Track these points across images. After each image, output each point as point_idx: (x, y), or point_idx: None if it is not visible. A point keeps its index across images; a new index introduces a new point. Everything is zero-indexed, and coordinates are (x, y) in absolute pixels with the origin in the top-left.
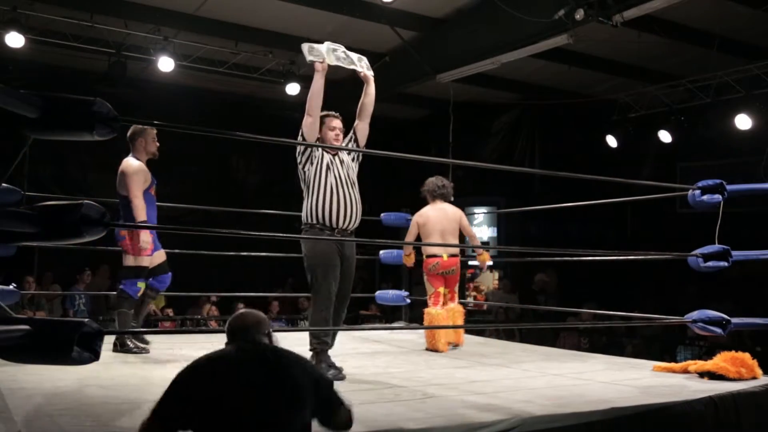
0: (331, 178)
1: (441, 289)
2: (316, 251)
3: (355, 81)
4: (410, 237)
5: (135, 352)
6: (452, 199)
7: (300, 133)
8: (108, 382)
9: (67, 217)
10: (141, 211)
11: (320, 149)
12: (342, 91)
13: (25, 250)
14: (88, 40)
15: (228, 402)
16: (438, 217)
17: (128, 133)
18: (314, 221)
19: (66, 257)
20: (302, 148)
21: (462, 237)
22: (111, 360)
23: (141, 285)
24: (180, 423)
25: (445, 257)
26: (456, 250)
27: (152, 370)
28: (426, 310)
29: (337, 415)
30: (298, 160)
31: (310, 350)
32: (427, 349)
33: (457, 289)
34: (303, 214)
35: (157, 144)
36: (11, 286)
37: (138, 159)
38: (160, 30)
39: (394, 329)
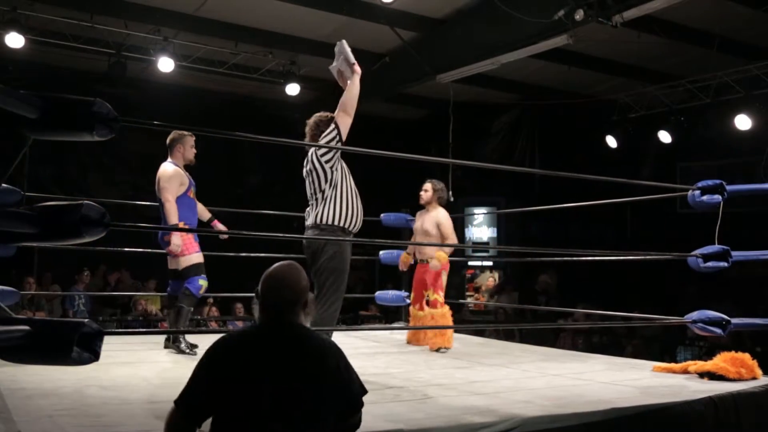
0: (352, 182)
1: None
2: (345, 255)
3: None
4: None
5: (185, 353)
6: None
7: (336, 132)
8: (108, 382)
9: (67, 218)
10: (172, 215)
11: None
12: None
13: (25, 251)
14: (88, 41)
15: (250, 386)
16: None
17: (168, 139)
18: (341, 224)
19: (65, 258)
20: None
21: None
22: (111, 361)
23: (203, 282)
24: (205, 410)
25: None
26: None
27: (152, 370)
28: (446, 311)
29: (352, 419)
30: (327, 158)
31: None
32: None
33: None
34: (328, 215)
35: (195, 151)
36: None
37: (175, 164)
38: (160, 30)
39: (393, 330)
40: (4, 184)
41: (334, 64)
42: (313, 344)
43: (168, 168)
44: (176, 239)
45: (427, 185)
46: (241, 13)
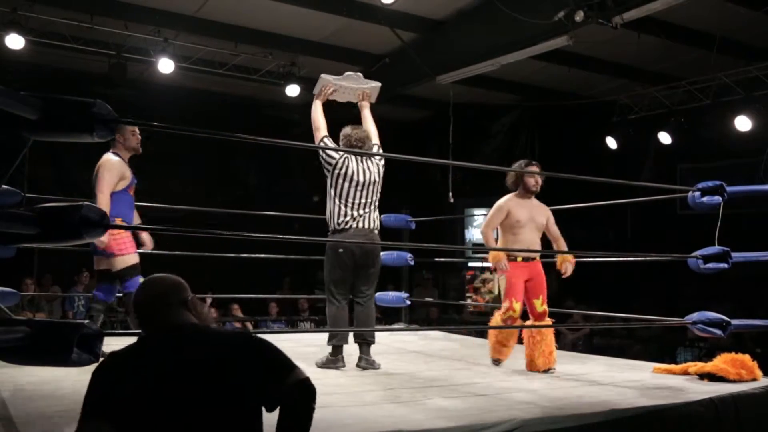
0: None
1: None
2: None
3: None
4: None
5: None
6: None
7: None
8: None
9: (67, 219)
10: (104, 208)
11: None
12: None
13: (24, 252)
14: (88, 42)
15: (144, 400)
16: None
17: None
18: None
19: (65, 259)
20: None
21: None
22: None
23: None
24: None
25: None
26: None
27: None
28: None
29: (285, 380)
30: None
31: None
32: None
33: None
34: (378, 221)
35: (139, 138)
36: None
37: (117, 155)
38: (160, 31)
39: (394, 331)
40: (3, 185)
41: (342, 82)
42: (209, 335)
43: (111, 158)
44: (104, 237)
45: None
46: (241, 14)
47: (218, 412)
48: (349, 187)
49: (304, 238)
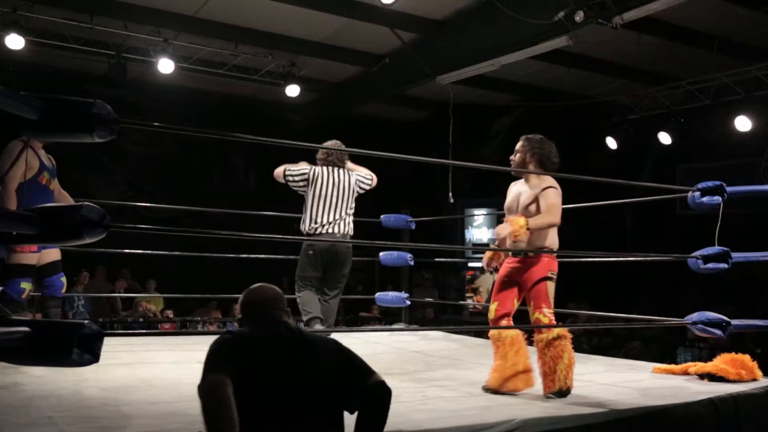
0: None
1: None
2: None
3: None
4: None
5: None
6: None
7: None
8: (108, 383)
9: (67, 219)
10: (9, 201)
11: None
12: (343, 92)
13: None
14: (88, 42)
15: (249, 382)
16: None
17: None
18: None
19: (64, 259)
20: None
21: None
22: (111, 362)
23: (26, 285)
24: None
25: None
26: None
27: (153, 371)
28: (562, 332)
29: (366, 383)
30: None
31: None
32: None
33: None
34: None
35: None
36: None
37: (24, 141)
38: (160, 32)
39: (394, 331)
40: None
41: None
42: (313, 339)
43: (14, 144)
44: None
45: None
46: (241, 14)
47: (313, 407)
48: (320, 196)
49: (304, 238)
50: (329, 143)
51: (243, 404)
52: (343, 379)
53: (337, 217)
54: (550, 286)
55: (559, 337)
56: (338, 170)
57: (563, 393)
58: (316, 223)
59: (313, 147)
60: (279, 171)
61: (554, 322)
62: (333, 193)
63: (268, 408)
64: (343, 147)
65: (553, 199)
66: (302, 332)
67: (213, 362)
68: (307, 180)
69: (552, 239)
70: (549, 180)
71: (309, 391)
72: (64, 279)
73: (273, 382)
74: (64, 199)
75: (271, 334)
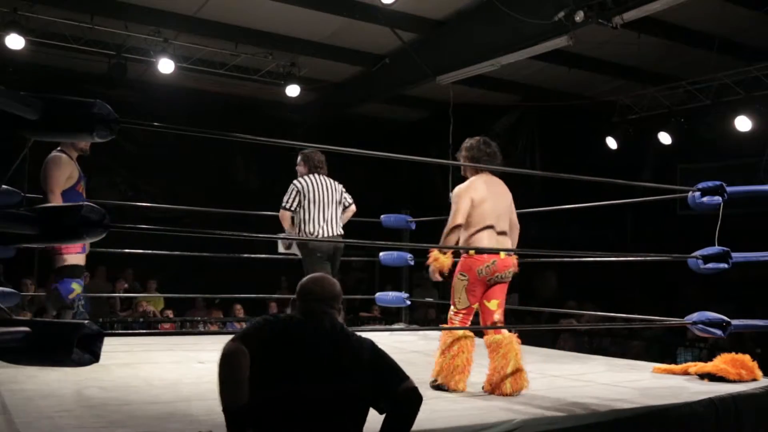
0: None
1: (476, 306)
2: None
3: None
4: (461, 218)
5: None
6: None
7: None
8: (108, 383)
9: (68, 219)
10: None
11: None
12: (344, 92)
13: (24, 252)
14: (88, 42)
15: (288, 366)
16: (497, 195)
17: None
18: None
19: None
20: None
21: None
22: (111, 361)
23: (76, 287)
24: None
25: (502, 255)
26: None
27: (153, 371)
28: (449, 333)
29: (399, 387)
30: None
31: None
32: (437, 386)
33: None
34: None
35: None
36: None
37: (67, 153)
38: (160, 32)
39: (394, 331)
40: (4, 186)
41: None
42: (348, 334)
43: (60, 156)
44: None
45: None
46: (242, 14)
47: (337, 400)
48: (314, 201)
49: (304, 238)
50: (307, 152)
51: (264, 382)
52: (375, 378)
53: (330, 217)
54: (456, 285)
55: (459, 338)
56: (322, 176)
57: (440, 386)
58: (318, 225)
59: (312, 147)
60: (281, 214)
61: (453, 320)
62: (324, 196)
63: (290, 391)
64: (318, 156)
65: (453, 205)
66: (344, 329)
67: (242, 334)
68: (300, 193)
69: (468, 242)
70: (468, 180)
71: (336, 383)
72: (75, 285)
73: (300, 369)
74: None
75: (313, 324)
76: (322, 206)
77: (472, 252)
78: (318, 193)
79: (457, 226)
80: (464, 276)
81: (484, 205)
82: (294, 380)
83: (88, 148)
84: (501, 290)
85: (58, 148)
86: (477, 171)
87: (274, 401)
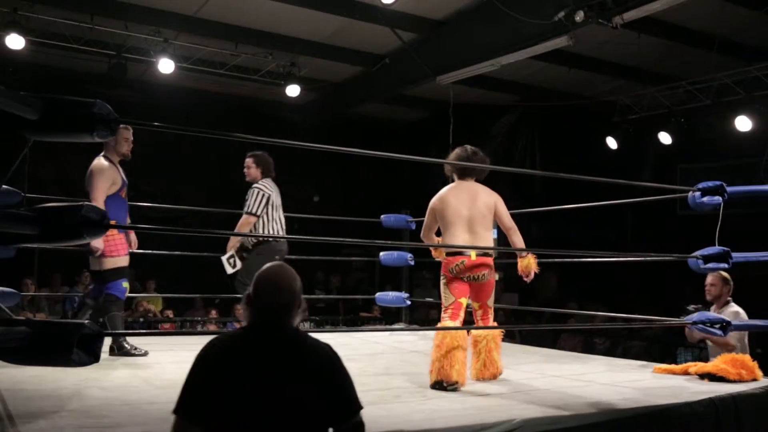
0: None
1: (463, 300)
2: None
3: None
4: (427, 230)
5: (135, 354)
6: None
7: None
8: (108, 383)
9: (68, 219)
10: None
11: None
12: (344, 92)
13: (25, 252)
14: (88, 42)
15: (246, 391)
16: (462, 200)
17: None
18: None
19: (66, 259)
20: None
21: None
22: (111, 362)
23: (126, 285)
24: (205, 413)
25: (472, 256)
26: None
27: (153, 371)
28: (440, 325)
29: (351, 419)
30: None
31: None
32: (435, 384)
33: (491, 303)
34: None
35: (130, 144)
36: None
37: (108, 159)
38: (160, 32)
39: (394, 331)
40: (4, 186)
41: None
42: (308, 347)
43: (103, 162)
44: (98, 243)
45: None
46: (242, 14)
47: (303, 416)
48: (276, 207)
49: (304, 237)
50: (268, 158)
51: (220, 413)
52: (326, 402)
53: (283, 220)
54: (441, 286)
55: (450, 332)
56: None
57: (438, 383)
58: (279, 227)
59: (312, 147)
60: (247, 219)
61: (443, 318)
62: (280, 200)
63: (260, 413)
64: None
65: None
66: (298, 337)
67: (184, 394)
68: (269, 200)
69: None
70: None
71: (304, 395)
72: (126, 284)
73: (265, 385)
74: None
75: (261, 335)
76: (279, 210)
77: (442, 253)
78: (277, 198)
79: (425, 236)
80: (444, 276)
81: (448, 210)
82: (241, 407)
83: (129, 153)
84: (481, 290)
85: (102, 154)
86: (460, 178)
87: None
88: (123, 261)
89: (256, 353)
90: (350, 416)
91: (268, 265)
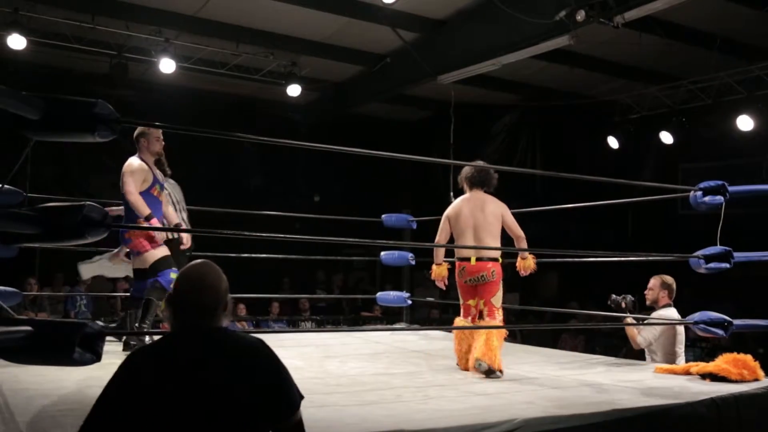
0: None
1: (471, 302)
2: None
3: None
4: (442, 238)
5: None
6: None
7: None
8: None
9: (69, 219)
10: (141, 206)
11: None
12: (345, 92)
13: (26, 252)
14: (89, 42)
15: (169, 399)
16: (471, 210)
17: (134, 134)
18: None
19: (66, 259)
20: None
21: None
22: (113, 361)
23: (174, 276)
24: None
25: (472, 261)
26: (490, 253)
27: None
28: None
29: (290, 420)
30: None
31: None
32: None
33: (496, 302)
34: None
35: (162, 143)
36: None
37: (142, 159)
38: (161, 31)
39: (395, 330)
40: (6, 185)
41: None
42: (237, 345)
43: (133, 162)
44: (134, 244)
45: None
46: (243, 14)
47: (236, 419)
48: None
49: (305, 237)
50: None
51: (141, 419)
52: (261, 401)
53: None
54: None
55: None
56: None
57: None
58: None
59: (313, 147)
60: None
61: (459, 315)
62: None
63: (186, 421)
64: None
65: None
66: (225, 336)
67: (93, 412)
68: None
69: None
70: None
71: (235, 397)
72: (174, 275)
73: (190, 391)
74: (169, 210)
75: (184, 337)
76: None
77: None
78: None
79: (436, 241)
80: (456, 281)
81: (459, 218)
82: (164, 409)
83: (162, 151)
84: (483, 291)
85: (136, 155)
86: (470, 189)
87: None
88: (162, 251)
89: (178, 354)
90: (288, 415)
91: (192, 263)
